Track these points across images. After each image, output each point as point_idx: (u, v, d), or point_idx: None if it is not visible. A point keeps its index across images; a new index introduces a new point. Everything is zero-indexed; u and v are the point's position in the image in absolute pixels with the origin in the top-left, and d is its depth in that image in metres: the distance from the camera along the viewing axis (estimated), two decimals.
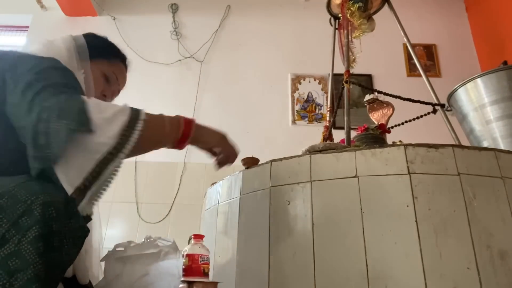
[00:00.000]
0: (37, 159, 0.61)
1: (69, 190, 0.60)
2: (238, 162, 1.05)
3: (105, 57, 0.99)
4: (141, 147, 0.71)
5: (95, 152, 0.62)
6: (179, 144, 0.80)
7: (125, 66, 1.09)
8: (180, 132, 0.78)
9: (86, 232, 0.62)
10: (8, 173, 0.64)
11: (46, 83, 0.67)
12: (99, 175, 0.62)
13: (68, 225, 0.58)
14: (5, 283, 0.50)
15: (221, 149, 0.91)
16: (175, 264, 0.98)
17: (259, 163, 1.08)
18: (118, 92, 1.07)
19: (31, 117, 0.62)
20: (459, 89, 1.42)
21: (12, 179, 0.61)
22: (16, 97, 0.67)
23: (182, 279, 0.90)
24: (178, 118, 0.80)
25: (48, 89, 0.66)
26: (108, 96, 1.02)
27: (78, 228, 0.60)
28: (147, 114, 0.71)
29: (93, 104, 0.65)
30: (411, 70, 2.86)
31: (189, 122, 0.81)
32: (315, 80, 2.83)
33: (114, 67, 1.02)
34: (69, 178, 0.61)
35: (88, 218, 0.65)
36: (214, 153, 0.93)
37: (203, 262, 0.92)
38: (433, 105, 1.52)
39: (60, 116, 0.61)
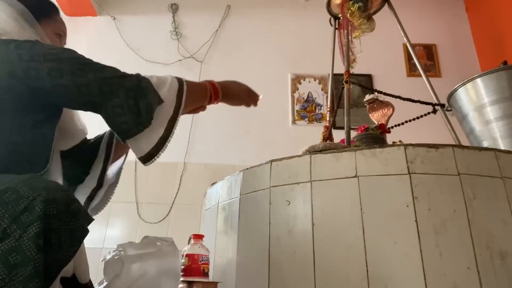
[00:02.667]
0: (138, 123, 0.81)
1: (156, 140, 0.83)
2: (238, 162, 1.05)
3: (48, 15, 0.96)
4: (190, 103, 0.95)
5: (167, 113, 0.86)
6: (212, 98, 1.04)
7: (59, 14, 1.05)
8: (208, 86, 1.02)
9: (85, 232, 0.62)
10: (11, 171, 0.65)
11: (96, 66, 0.83)
12: (173, 126, 0.87)
13: (68, 224, 0.58)
14: (5, 278, 0.50)
15: (246, 104, 1.19)
16: (174, 264, 0.98)
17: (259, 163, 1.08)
18: (66, 43, 1.06)
19: (117, 95, 0.80)
20: (459, 89, 1.42)
21: (17, 176, 0.62)
22: (70, 81, 0.77)
23: (182, 279, 0.90)
24: (204, 82, 1.04)
25: (108, 70, 0.83)
26: None
27: (78, 228, 0.60)
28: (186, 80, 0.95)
29: (155, 81, 0.87)
30: (411, 70, 2.86)
31: (212, 82, 1.04)
32: (315, 80, 2.83)
33: (58, 21, 1.00)
34: (155, 132, 0.83)
35: (90, 219, 0.65)
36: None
37: (203, 262, 0.92)
38: (433, 105, 1.52)
39: (142, 93, 0.82)
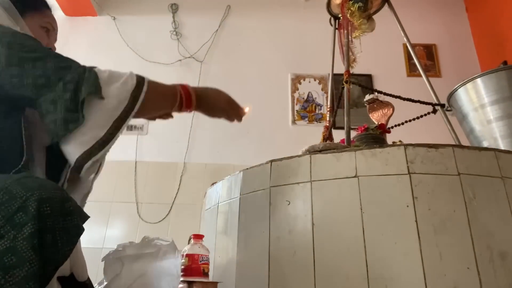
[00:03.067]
0: (68, 122, 0.69)
1: (91, 142, 0.71)
2: (238, 162, 1.05)
3: (34, 8, 0.92)
4: (149, 107, 0.82)
5: (113, 112, 0.73)
6: (183, 105, 0.89)
7: (50, 9, 1.01)
8: (178, 90, 0.87)
9: (80, 230, 0.61)
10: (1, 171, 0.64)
11: (40, 55, 0.73)
12: (118, 129, 0.73)
13: (63, 222, 0.58)
14: (0, 279, 0.50)
15: (227, 116, 0.98)
16: (174, 264, 0.98)
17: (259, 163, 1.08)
18: (56, 39, 1.00)
19: (53, 89, 0.70)
20: (459, 89, 1.42)
21: (8, 176, 0.61)
22: (11, 71, 0.70)
23: (182, 279, 0.90)
24: (175, 84, 0.89)
25: (51, 60, 0.73)
26: (53, 48, 0.97)
27: (73, 227, 0.59)
28: (150, 79, 0.82)
29: (106, 75, 0.75)
30: (411, 70, 2.86)
31: (184, 86, 0.90)
32: (315, 80, 2.83)
33: (46, 15, 0.95)
34: (91, 132, 0.71)
35: (86, 217, 0.64)
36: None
37: (203, 262, 0.92)
38: (433, 105, 1.51)
39: (82, 87, 0.71)
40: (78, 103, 0.70)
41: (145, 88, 0.78)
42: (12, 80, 0.70)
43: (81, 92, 0.71)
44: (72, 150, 0.71)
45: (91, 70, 0.75)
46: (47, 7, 0.97)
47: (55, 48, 0.99)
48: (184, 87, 0.89)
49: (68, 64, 0.75)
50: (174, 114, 0.94)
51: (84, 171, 0.73)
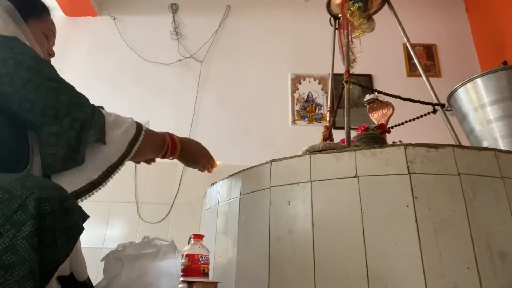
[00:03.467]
0: (67, 160, 0.72)
1: (82, 183, 0.74)
2: (239, 162, 1.06)
3: (36, 15, 0.93)
4: (141, 154, 0.87)
5: (110, 157, 0.78)
6: (168, 153, 0.97)
7: (50, 15, 1.02)
8: (167, 140, 0.95)
9: (80, 229, 0.62)
10: (2, 170, 0.65)
11: (51, 84, 0.75)
12: (110, 174, 0.78)
13: (62, 221, 0.58)
14: (0, 278, 0.50)
15: (201, 167, 1.10)
16: (174, 264, 0.98)
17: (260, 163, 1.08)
18: (54, 43, 1.02)
19: (59, 123, 0.73)
20: (459, 89, 1.42)
21: (9, 175, 0.61)
22: (16, 90, 0.71)
23: (182, 279, 0.90)
24: (163, 132, 0.97)
25: (64, 94, 0.76)
26: (52, 53, 0.99)
27: (72, 226, 0.60)
28: (146, 128, 0.89)
29: (112, 120, 0.81)
30: (411, 70, 2.86)
31: (171, 135, 0.98)
32: (315, 80, 2.83)
33: (47, 21, 0.97)
34: (85, 174, 0.75)
35: (86, 216, 0.64)
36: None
37: (203, 262, 0.92)
38: (433, 105, 1.51)
39: (89, 129, 0.75)
40: (81, 143, 0.73)
41: (141, 138, 0.85)
42: (22, 103, 0.72)
43: (87, 134, 0.74)
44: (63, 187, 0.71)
45: (100, 113, 0.79)
46: (47, 13, 0.99)
47: (54, 52, 1.00)
48: (171, 138, 0.97)
49: (79, 101, 0.78)
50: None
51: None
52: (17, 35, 0.82)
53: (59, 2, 2.89)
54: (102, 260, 0.94)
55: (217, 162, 1.12)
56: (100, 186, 0.78)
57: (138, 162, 1.02)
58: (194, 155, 1.05)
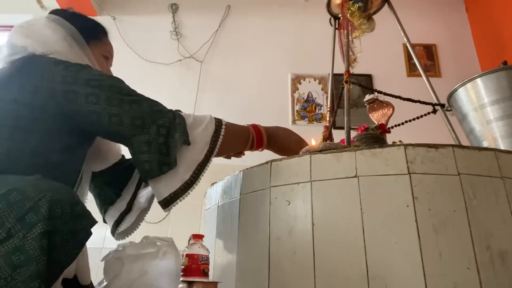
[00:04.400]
0: (162, 164, 0.76)
1: (178, 184, 0.79)
2: (238, 162, 1.06)
3: (97, 37, 0.98)
4: (226, 148, 0.90)
5: (197, 156, 0.82)
6: (254, 145, 0.98)
7: (108, 37, 1.07)
8: (251, 131, 0.97)
9: (88, 234, 0.62)
10: (22, 174, 0.66)
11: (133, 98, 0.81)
12: (200, 172, 0.83)
13: (72, 225, 0.59)
14: (7, 277, 0.51)
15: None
16: (174, 263, 0.98)
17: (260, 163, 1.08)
18: (112, 65, 1.07)
19: (147, 131, 0.77)
20: (459, 89, 1.42)
21: (23, 178, 0.62)
22: (104, 108, 0.76)
23: (182, 279, 0.90)
24: (248, 125, 0.99)
25: (145, 104, 0.81)
26: (109, 73, 1.03)
27: (81, 230, 0.60)
28: (226, 122, 0.90)
29: (191, 121, 0.83)
30: (411, 70, 2.86)
31: (256, 126, 0.99)
32: (315, 80, 2.83)
33: (106, 44, 1.02)
34: (179, 176, 0.79)
35: (94, 221, 0.65)
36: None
37: (202, 262, 0.92)
38: (433, 105, 1.51)
39: (174, 132, 0.79)
40: (170, 147, 0.77)
41: (222, 132, 0.86)
42: (111, 119, 0.76)
43: (173, 138, 0.78)
44: (161, 190, 0.80)
45: (180, 116, 0.83)
46: (106, 36, 1.03)
47: (111, 73, 1.04)
48: (256, 128, 0.98)
49: (160, 108, 0.82)
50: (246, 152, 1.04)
51: (169, 208, 0.82)
52: (81, 57, 0.87)
53: (59, 2, 2.89)
54: (102, 260, 0.94)
55: (312, 142, 1.07)
56: (194, 185, 0.83)
57: (228, 157, 1.04)
58: (284, 143, 1.05)
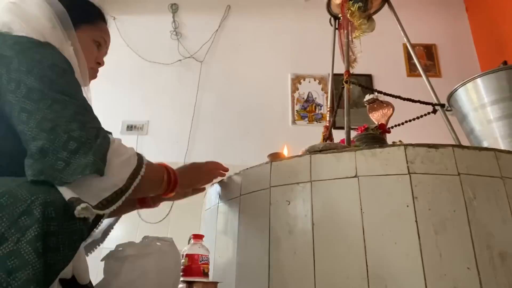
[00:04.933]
0: (46, 174, 0.60)
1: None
2: (238, 162, 1.06)
3: (89, 21, 0.90)
4: (140, 191, 0.74)
5: (105, 190, 0.65)
6: (168, 190, 0.86)
7: (106, 23, 0.99)
8: (166, 178, 0.84)
9: (84, 235, 0.61)
10: (9, 174, 0.64)
11: (56, 96, 0.66)
12: (105, 208, 0.65)
13: (67, 226, 0.58)
14: (3, 282, 0.50)
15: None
16: (174, 264, 0.98)
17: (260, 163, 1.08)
18: (106, 53, 0.99)
19: (52, 139, 0.62)
20: (459, 89, 1.42)
21: (14, 179, 0.61)
22: (18, 99, 0.65)
23: (182, 279, 0.90)
24: (161, 165, 0.86)
25: (70, 108, 0.66)
26: (101, 63, 0.96)
27: (76, 231, 0.59)
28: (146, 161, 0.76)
29: (114, 148, 0.68)
30: (411, 70, 2.86)
31: (168, 168, 0.86)
32: (315, 80, 2.83)
33: (100, 29, 0.93)
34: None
35: (88, 223, 0.64)
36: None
37: (203, 262, 0.92)
38: (433, 105, 1.51)
39: (85, 154, 0.62)
40: (69, 166, 0.61)
41: (142, 172, 0.72)
42: (21, 114, 0.64)
43: (79, 159, 0.61)
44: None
45: (106, 138, 0.67)
46: (102, 20, 0.96)
47: (103, 62, 0.97)
48: (168, 169, 0.86)
49: (86, 119, 0.67)
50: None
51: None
52: (62, 40, 0.78)
53: None
54: (102, 260, 0.94)
55: (285, 151, 1.06)
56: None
57: (139, 206, 0.96)
58: (194, 176, 0.98)
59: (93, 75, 0.96)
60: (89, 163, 0.61)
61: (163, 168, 0.85)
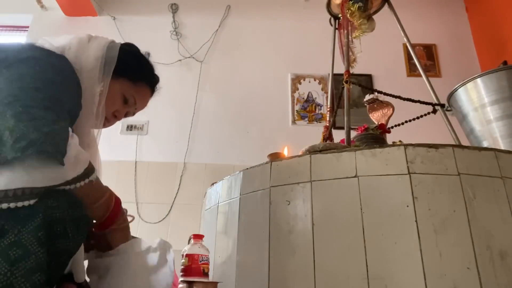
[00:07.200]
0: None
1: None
2: (238, 162, 1.06)
3: (131, 78, 0.91)
4: (85, 194, 0.68)
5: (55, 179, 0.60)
6: (107, 219, 0.79)
7: (151, 91, 1.00)
8: (112, 206, 0.79)
9: (89, 221, 0.63)
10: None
11: (45, 104, 0.62)
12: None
13: (72, 214, 0.59)
14: (6, 272, 0.51)
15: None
16: (169, 263, 0.98)
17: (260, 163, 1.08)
18: (133, 114, 0.99)
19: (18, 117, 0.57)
20: (459, 89, 1.42)
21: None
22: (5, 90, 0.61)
23: (182, 279, 0.90)
24: (112, 196, 0.81)
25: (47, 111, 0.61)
26: (119, 117, 0.94)
27: (81, 217, 0.61)
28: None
29: (73, 146, 0.63)
30: (411, 70, 2.86)
31: (118, 202, 0.83)
32: (315, 80, 2.83)
33: (138, 90, 0.94)
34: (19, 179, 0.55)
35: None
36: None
37: (203, 262, 0.92)
38: (433, 105, 1.51)
39: (45, 147, 0.56)
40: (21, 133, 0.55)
41: (91, 178, 0.68)
42: None
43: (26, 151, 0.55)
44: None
45: (62, 132, 0.61)
46: (146, 84, 0.96)
47: (121, 117, 0.95)
48: (115, 199, 0.82)
49: (52, 117, 0.61)
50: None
51: None
52: (94, 80, 0.79)
53: (59, 2, 2.89)
54: (95, 258, 0.94)
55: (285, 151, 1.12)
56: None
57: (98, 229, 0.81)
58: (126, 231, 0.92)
59: (105, 124, 0.92)
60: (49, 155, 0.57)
61: (111, 193, 0.81)
